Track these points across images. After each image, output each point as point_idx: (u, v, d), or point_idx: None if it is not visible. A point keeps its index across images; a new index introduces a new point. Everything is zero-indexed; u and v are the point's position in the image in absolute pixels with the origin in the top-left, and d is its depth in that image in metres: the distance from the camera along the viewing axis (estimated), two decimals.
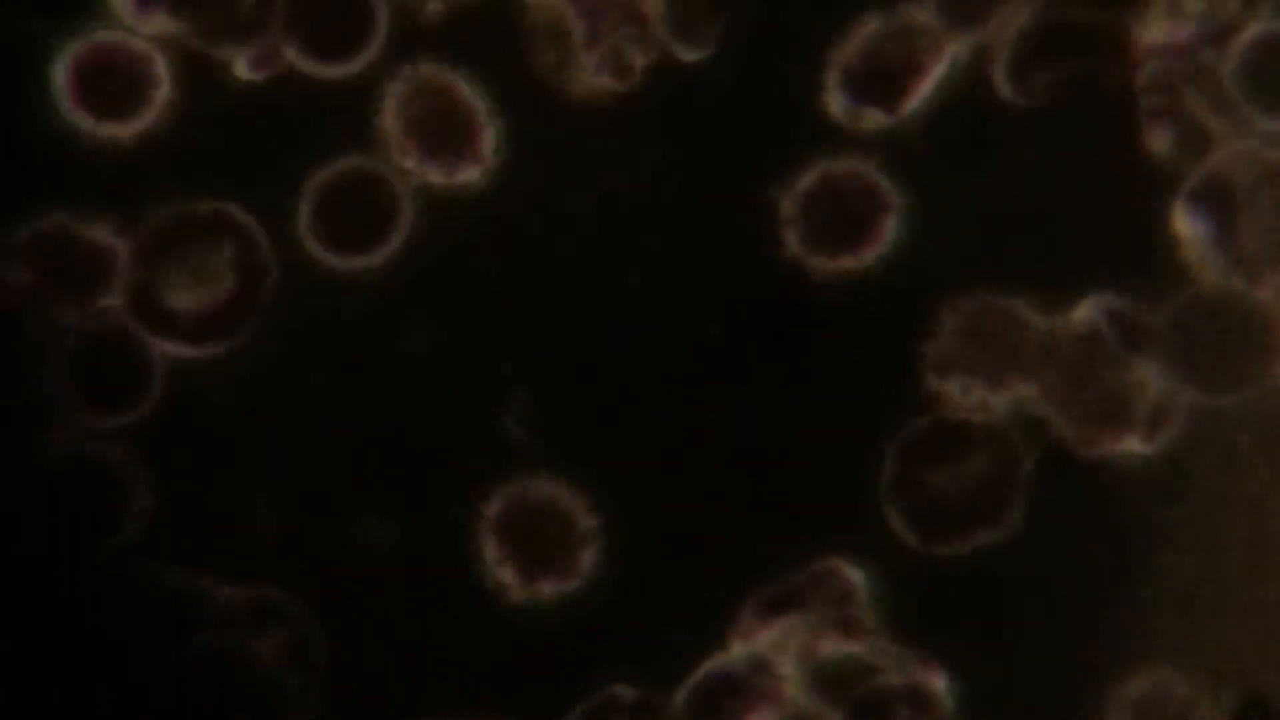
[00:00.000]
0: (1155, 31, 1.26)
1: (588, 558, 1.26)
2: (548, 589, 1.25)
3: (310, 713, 1.25)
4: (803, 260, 1.27)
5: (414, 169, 1.25)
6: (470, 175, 1.26)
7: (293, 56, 1.24)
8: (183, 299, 1.24)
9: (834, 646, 1.26)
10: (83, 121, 1.24)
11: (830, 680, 1.26)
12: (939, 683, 1.26)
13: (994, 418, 1.27)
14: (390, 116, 1.25)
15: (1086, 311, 1.27)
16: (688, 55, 1.25)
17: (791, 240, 1.27)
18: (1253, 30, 1.26)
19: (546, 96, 1.26)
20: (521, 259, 1.27)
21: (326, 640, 1.26)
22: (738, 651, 1.26)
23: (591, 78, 1.25)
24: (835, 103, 1.27)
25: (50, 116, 1.24)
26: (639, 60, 1.25)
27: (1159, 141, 1.27)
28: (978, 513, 1.27)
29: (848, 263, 1.27)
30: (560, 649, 1.26)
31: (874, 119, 1.27)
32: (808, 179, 1.27)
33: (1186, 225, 1.27)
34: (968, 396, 1.27)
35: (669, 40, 1.25)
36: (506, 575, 1.26)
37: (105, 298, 1.24)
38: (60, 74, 1.24)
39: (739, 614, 1.26)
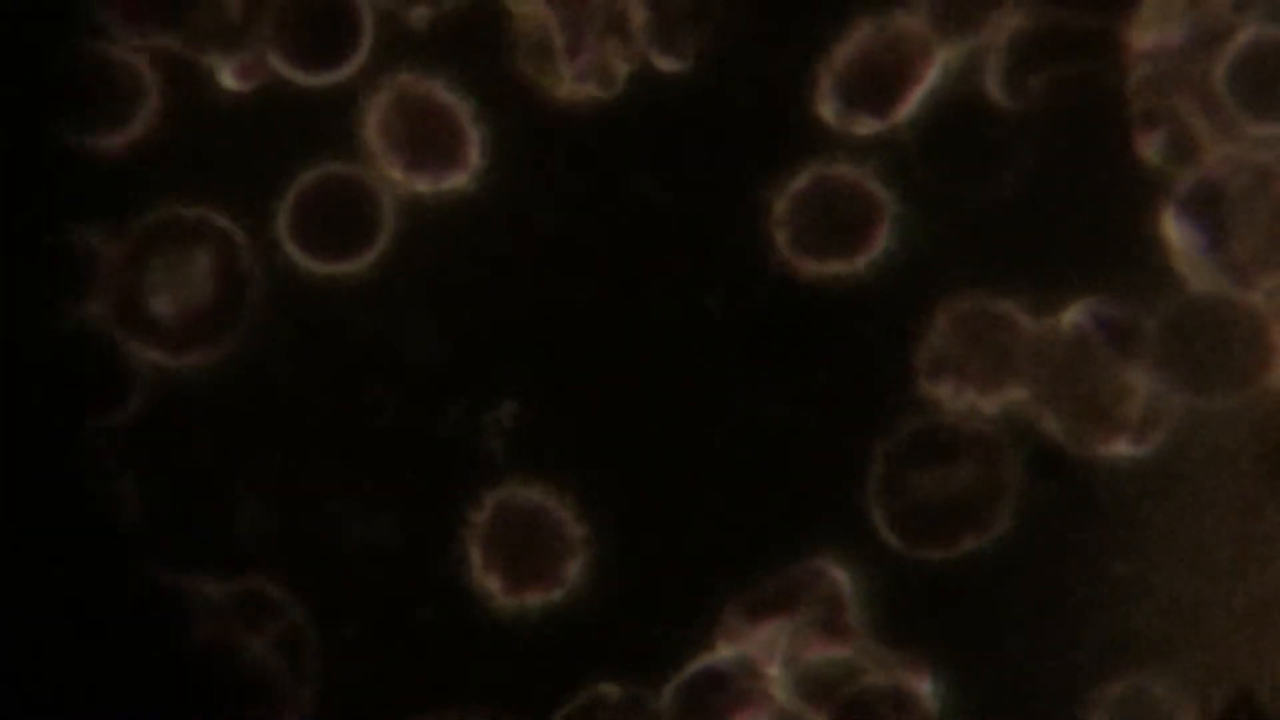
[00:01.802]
0: (1146, 35, 1.26)
1: (575, 565, 1.26)
2: (534, 597, 1.26)
3: (302, 707, 1.26)
4: (793, 264, 1.27)
5: (400, 176, 1.25)
6: (456, 182, 1.26)
7: (279, 66, 1.24)
8: (165, 305, 1.24)
9: (820, 648, 1.26)
10: (70, 130, 1.25)
11: (816, 682, 1.26)
12: (924, 685, 1.27)
13: (982, 422, 1.27)
14: (376, 124, 1.25)
15: (1077, 315, 1.27)
16: (668, 65, 1.25)
17: (782, 244, 1.27)
18: (1244, 35, 1.25)
19: (532, 103, 1.26)
20: (506, 265, 1.27)
21: (318, 637, 1.26)
22: (725, 652, 1.27)
23: (575, 85, 1.25)
24: (828, 108, 1.26)
25: (38, 125, 1.25)
26: (623, 68, 1.25)
27: (1150, 146, 1.27)
28: (964, 517, 1.27)
29: (839, 267, 1.27)
30: (547, 652, 1.27)
31: (867, 125, 1.26)
32: (799, 184, 1.27)
33: (1177, 230, 1.27)
34: (959, 399, 1.27)
35: (650, 50, 1.24)
36: (492, 582, 1.26)
37: (90, 303, 1.25)
38: (49, 84, 1.24)
39: (726, 616, 1.27)
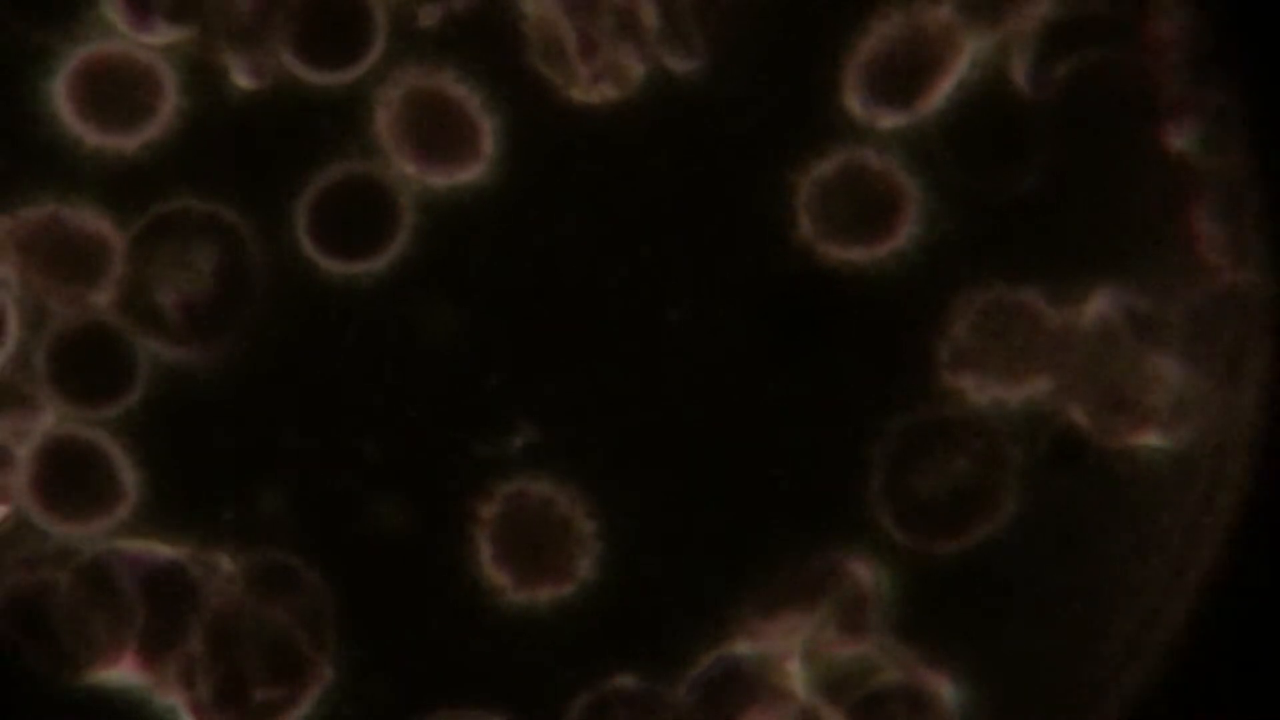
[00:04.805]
0: (1173, 21, 1.24)
1: (587, 560, 1.27)
2: (545, 592, 1.26)
3: (321, 677, 1.27)
4: (815, 255, 1.26)
5: (415, 172, 1.25)
6: (471, 176, 1.26)
7: (293, 65, 1.24)
8: (171, 297, 1.25)
9: (839, 644, 1.27)
10: (83, 127, 1.25)
11: (835, 678, 1.27)
12: (943, 686, 1.27)
13: (989, 414, 1.26)
14: (390, 122, 1.25)
15: (1102, 305, 1.26)
16: (678, 66, 1.24)
17: (805, 236, 1.26)
18: None
19: (546, 98, 1.25)
20: (520, 259, 1.27)
21: (336, 611, 1.28)
22: (743, 647, 1.27)
23: (590, 87, 1.24)
24: (854, 102, 1.25)
25: (51, 122, 1.25)
26: (637, 69, 1.24)
27: (1179, 136, 1.25)
28: (968, 506, 1.26)
29: (862, 257, 1.26)
30: (558, 646, 1.27)
31: (893, 117, 1.25)
32: (825, 173, 1.26)
33: (1204, 221, 1.26)
34: (983, 391, 1.26)
35: (662, 52, 1.24)
36: (502, 577, 1.27)
37: (99, 292, 1.26)
38: (60, 81, 1.24)
39: (744, 612, 1.27)
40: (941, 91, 1.25)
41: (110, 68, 1.24)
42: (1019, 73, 1.25)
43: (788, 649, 1.27)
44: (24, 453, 1.26)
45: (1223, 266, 1.25)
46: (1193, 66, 1.23)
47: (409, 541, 1.28)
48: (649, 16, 1.23)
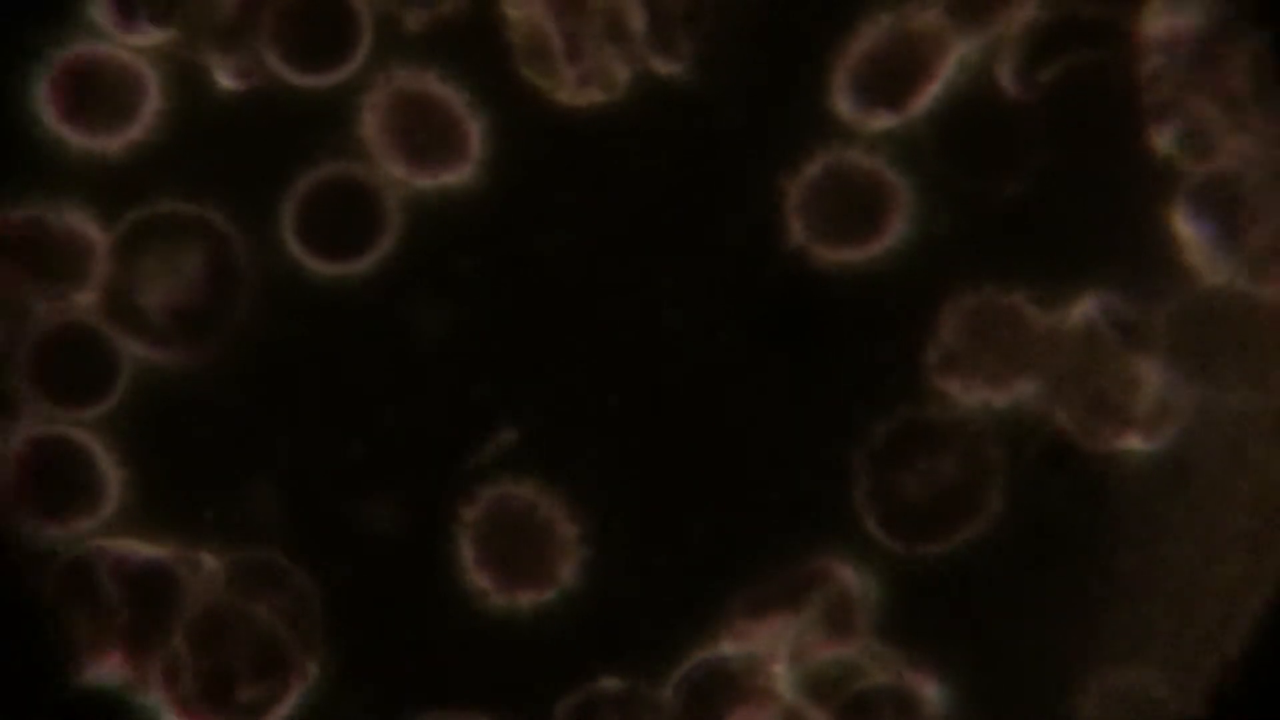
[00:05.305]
0: (1158, 23, 1.24)
1: (571, 562, 1.26)
2: (526, 597, 1.26)
3: (305, 676, 1.27)
4: (804, 257, 1.26)
5: (402, 174, 1.25)
6: (458, 177, 1.26)
7: (278, 67, 1.24)
8: (154, 299, 1.25)
9: (825, 648, 1.27)
10: (67, 129, 1.24)
11: (820, 681, 1.27)
12: (929, 688, 1.27)
13: (971, 415, 1.26)
14: (376, 124, 1.24)
15: (1087, 309, 1.26)
16: (664, 69, 1.24)
17: (794, 237, 1.26)
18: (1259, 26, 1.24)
19: (533, 99, 1.25)
20: (508, 261, 1.27)
21: (320, 610, 1.27)
22: (729, 649, 1.27)
23: (576, 90, 1.24)
24: (843, 103, 1.25)
25: (35, 124, 1.25)
26: (623, 72, 1.24)
27: (1163, 139, 1.25)
28: (953, 508, 1.26)
29: (850, 258, 1.26)
30: (539, 652, 1.27)
31: (882, 119, 1.25)
32: (812, 176, 1.26)
33: (1189, 223, 1.25)
34: (970, 394, 1.26)
35: (648, 54, 1.23)
36: (484, 580, 1.26)
37: (83, 294, 1.26)
38: (45, 83, 1.24)
39: (730, 614, 1.27)
40: (929, 94, 1.25)
41: (95, 68, 1.24)
42: (1006, 75, 1.25)
43: (774, 651, 1.27)
44: (6, 453, 1.26)
45: (1208, 270, 1.26)
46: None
47: (394, 542, 1.27)
48: (635, 19, 1.23)
